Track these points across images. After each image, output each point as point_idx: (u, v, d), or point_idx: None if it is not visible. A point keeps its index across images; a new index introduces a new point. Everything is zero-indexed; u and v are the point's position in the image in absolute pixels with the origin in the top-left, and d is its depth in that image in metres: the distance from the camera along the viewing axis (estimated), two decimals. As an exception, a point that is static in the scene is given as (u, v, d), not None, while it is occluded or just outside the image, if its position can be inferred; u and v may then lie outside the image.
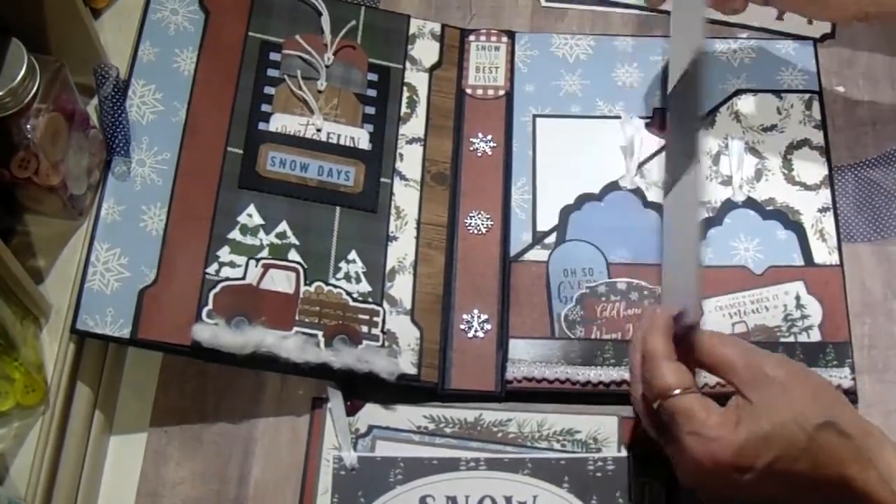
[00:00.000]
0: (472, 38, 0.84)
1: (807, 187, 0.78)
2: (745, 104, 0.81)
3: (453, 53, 0.83)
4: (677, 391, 0.59)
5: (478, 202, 0.78)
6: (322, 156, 0.76)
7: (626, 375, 0.71)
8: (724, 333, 0.63)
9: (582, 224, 0.77)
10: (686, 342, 0.62)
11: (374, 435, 0.72)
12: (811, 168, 0.78)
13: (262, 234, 0.73)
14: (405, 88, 0.80)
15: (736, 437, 0.57)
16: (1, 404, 0.63)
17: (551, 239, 0.76)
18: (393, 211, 0.76)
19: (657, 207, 0.77)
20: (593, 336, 0.73)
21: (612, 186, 0.78)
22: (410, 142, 0.79)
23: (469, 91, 0.82)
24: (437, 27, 0.84)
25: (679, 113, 0.67)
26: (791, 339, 0.72)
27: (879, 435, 0.59)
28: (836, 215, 0.77)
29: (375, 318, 0.72)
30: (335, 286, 0.72)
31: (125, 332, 0.68)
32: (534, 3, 0.87)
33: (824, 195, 0.77)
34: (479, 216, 0.77)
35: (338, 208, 0.75)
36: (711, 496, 0.61)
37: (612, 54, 0.83)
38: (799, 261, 0.75)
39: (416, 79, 0.81)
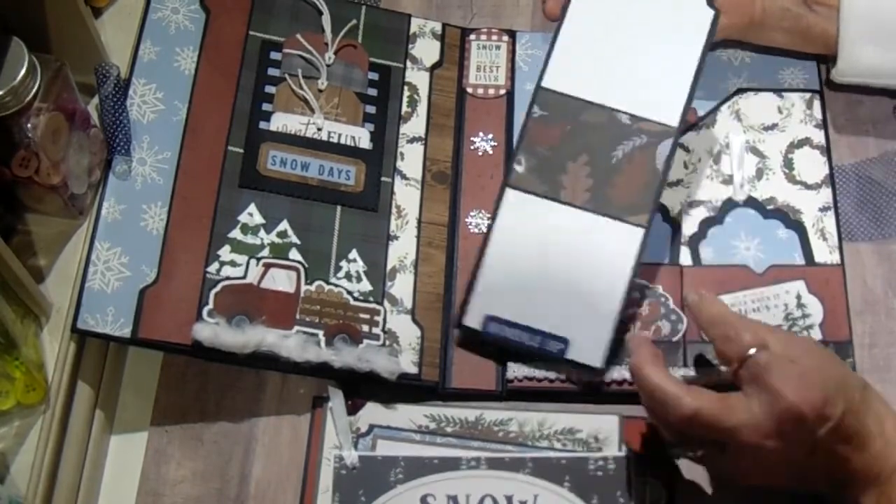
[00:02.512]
0: (472, 37, 0.84)
1: (808, 186, 0.78)
2: (746, 103, 0.81)
3: (454, 52, 0.83)
4: (753, 349, 0.61)
5: (479, 201, 0.78)
6: (323, 155, 0.76)
7: (627, 375, 0.71)
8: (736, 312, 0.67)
9: (582, 223, 0.77)
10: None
11: (374, 434, 0.72)
12: (812, 167, 0.78)
13: (262, 233, 0.73)
14: (406, 87, 0.80)
15: (820, 384, 0.59)
16: (1, 403, 0.63)
17: (552, 238, 0.77)
18: (394, 210, 0.76)
19: (658, 207, 0.77)
20: (594, 335, 0.73)
21: (613, 186, 0.78)
22: (411, 141, 0.79)
23: (470, 90, 0.82)
24: (437, 26, 0.84)
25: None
26: (792, 338, 0.72)
27: None
28: (836, 214, 0.77)
29: (376, 318, 0.72)
30: (336, 285, 0.72)
31: (126, 332, 0.68)
32: (535, 2, 0.87)
33: (825, 194, 0.77)
34: (480, 215, 0.77)
35: (339, 207, 0.75)
36: (762, 472, 0.62)
37: (613, 53, 0.83)
38: (800, 260, 0.75)
39: (417, 78, 0.81)
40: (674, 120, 0.70)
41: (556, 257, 0.70)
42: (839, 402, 0.59)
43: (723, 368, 0.67)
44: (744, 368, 0.61)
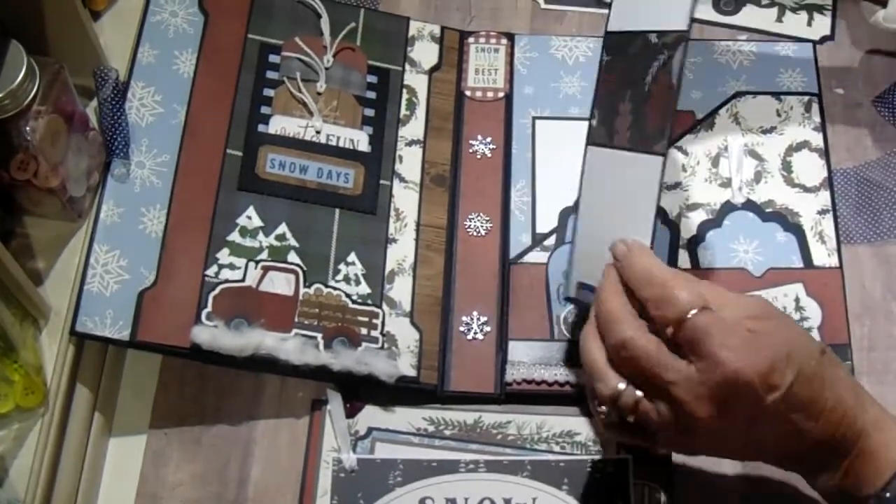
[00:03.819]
0: (471, 39, 0.84)
1: (806, 189, 0.78)
2: (745, 106, 0.81)
3: (453, 55, 0.83)
4: (694, 311, 0.56)
5: (477, 204, 0.78)
6: (321, 158, 0.76)
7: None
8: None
9: (581, 226, 0.77)
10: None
11: (373, 437, 0.72)
12: (811, 170, 0.78)
13: (261, 236, 0.73)
14: (405, 90, 0.80)
15: (767, 350, 0.55)
16: (0, 406, 0.63)
17: (551, 241, 0.77)
18: (392, 213, 0.76)
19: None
20: (593, 338, 0.73)
21: (612, 188, 0.78)
22: (410, 144, 0.79)
23: (468, 93, 0.82)
24: (436, 29, 0.84)
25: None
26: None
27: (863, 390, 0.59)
28: (835, 217, 0.77)
29: (375, 320, 0.72)
30: (334, 288, 0.72)
31: (124, 334, 0.68)
32: (533, 4, 0.87)
33: (824, 197, 0.78)
34: (479, 218, 0.77)
35: (337, 210, 0.75)
36: (707, 444, 0.59)
37: (612, 56, 0.83)
38: (798, 263, 0.75)
39: (416, 81, 0.81)
40: (683, 24, 0.65)
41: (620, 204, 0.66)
42: (789, 370, 0.54)
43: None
44: (680, 333, 0.55)
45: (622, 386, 0.57)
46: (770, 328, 0.56)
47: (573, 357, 0.72)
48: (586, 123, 0.81)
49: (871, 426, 0.57)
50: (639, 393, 0.57)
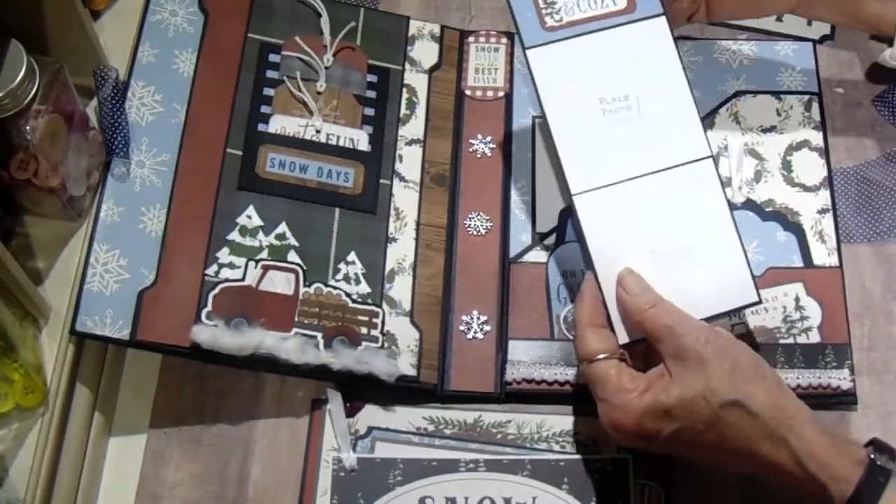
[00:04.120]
0: (471, 39, 0.84)
1: (806, 188, 0.78)
2: (745, 105, 0.81)
3: (453, 55, 0.83)
4: (600, 356, 0.62)
5: (477, 203, 0.78)
6: (321, 157, 0.76)
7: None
8: (670, 303, 0.63)
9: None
10: (629, 309, 0.63)
11: (373, 436, 0.72)
12: (810, 169, 0.78)
13: (261, 235, 0.73)
14: (404, 90, 0.80)
15: (639, 405, 0.60)
16: (0, 406, 0.63)
17: (551, 240, 0.77)
18: (392, 212, 0.76)
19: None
20: (593, 337, 0.73)
21: (612, 188, 0.78)
22: (410, 143, 0.79)
23: (468, 92, 0.82)
24: (436, 28, 0.84)
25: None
26: (790, 340, 0.72)
27: (803, 415, 0.60)
28: (835, 216, 0.77)
29: (375, 320, 0.72)
30: (334, 287, 0.72)
31: (124, 334, 0.68)
32: (533, 4, 0.87)
33: (824, 196, 0.77)
34: (479, 217, 0.77)
35: (337, 210, 0.75)
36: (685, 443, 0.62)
37: (612, 55, 0.83)
38: (798, 262, 0.75)
39: (416, 80, 0.81)
40: (704, 150, 0.66)
41: (656, 232, 0.66)
42: (665, 425, 0.59)
43: None
44: (581, 375, 0.64)
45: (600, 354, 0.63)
46: (679, 373, 0.60)
47: (572, 357, 0.72)
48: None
49: (788, 460, 0.59)
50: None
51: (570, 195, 0.66)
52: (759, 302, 0.65)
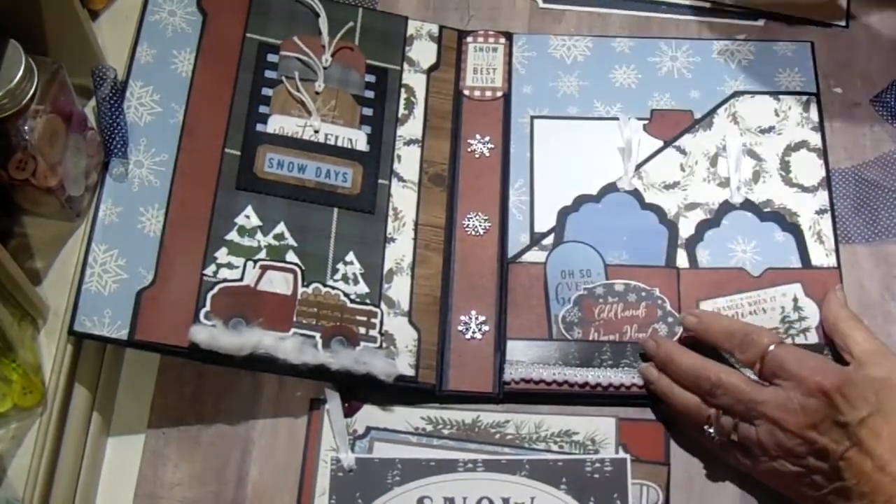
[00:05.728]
0: (469, 39, 0.84)
1: (804, 189, 0.78)
2: (743, 106, 0.81)
3: (451, 55, 0.83)
4: (772, 346, 0.66)
5: (475, 203, 0.78)
6: (320, 157, 0.76)
7: (624, 378, 0.71)
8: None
9: (580, 225, 0.77)
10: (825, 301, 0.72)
11: (371, 436, 0.72)
12: (809, 170, 0.78)
13: (259, 235, 0.73)
14: (403, 90, 0.80)
15: (843, 372, 0.64)
16: (-1, 406, 0.63)
17: (549, 240, 0.77)
18: (391, 212, 0.76)
19: (655, 209, 0.77)
20: (591, 338, 0.73)
21: (610, 188, 0.78)
22: (408, 143, 0.79)
23: (467, 92, 0.82)
24: (434, 28, 0.84)
25: None
26: (789, 340, 0.72)
27: None
28: (833, 217, 0.77)
29: (373, 320, 0.72)
30: (333, 287, 0.72)
31: (123, 334, 0.68)
32: (531, 4, 0.87)
33: (822, 197, 0.78)
34: (477, 217, 0.77)
35: (335, 210, 0.75)
36: (774, 468, 0.65)
37: (610, 56, 0.83)
38: (796, 263, 0.75)
39: (414, 80, 0.81)
40: None
41: None
42: (867, 399, 0.62)
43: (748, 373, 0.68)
44: (765, 366, 0.66)
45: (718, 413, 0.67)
46: (872, 372, 0.64)
47: (571, 356, 0.72)
48: (584, 122, 0.82)
49: None
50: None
51: None
52: None
